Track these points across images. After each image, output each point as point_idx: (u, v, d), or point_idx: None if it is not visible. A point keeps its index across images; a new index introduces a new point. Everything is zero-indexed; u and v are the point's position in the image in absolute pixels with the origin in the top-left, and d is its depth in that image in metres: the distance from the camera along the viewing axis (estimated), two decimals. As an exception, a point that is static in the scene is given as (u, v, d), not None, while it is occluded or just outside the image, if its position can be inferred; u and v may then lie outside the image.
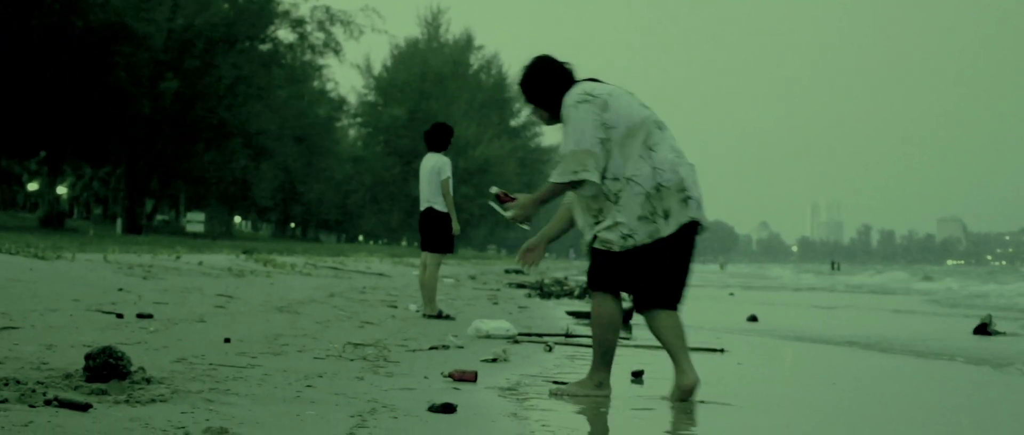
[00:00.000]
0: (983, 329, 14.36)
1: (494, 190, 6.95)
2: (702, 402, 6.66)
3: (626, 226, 6.59)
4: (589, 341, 10.37)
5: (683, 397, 6.64)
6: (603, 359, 6.79)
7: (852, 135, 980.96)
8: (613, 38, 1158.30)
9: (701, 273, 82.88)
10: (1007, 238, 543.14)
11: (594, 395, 6.67)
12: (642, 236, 6.59)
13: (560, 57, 7.10)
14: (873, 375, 9.19)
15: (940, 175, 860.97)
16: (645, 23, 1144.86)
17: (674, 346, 6.74)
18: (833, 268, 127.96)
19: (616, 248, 6.62)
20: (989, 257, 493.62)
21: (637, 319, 15.71)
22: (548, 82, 6.97)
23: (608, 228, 6.63)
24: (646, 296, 6.75)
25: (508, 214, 6.90)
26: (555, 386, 6.93)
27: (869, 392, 7.89)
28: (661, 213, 6.59)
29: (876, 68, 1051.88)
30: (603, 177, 6.60)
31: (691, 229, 6.72)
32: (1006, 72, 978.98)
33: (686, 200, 6.63)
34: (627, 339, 11.61)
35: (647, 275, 6.65)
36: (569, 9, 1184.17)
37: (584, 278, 26.68)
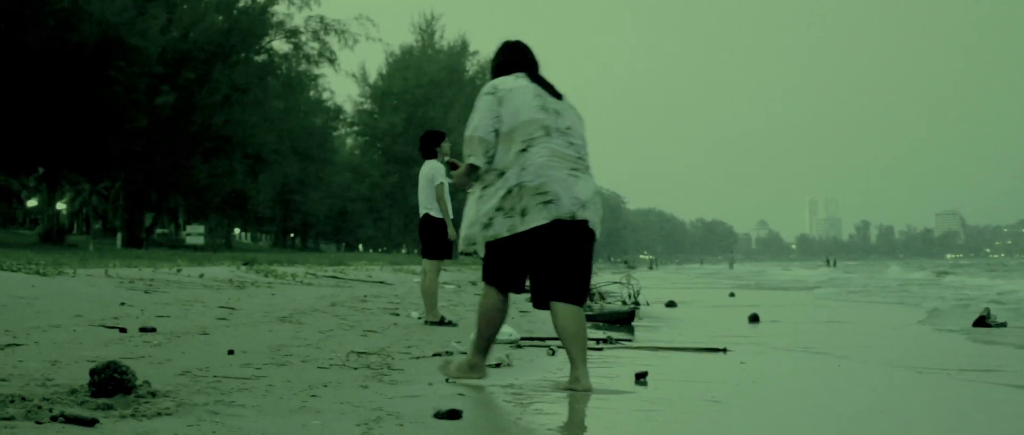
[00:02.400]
0: (982, 321, 14.40)
1: (446, 158, 7.55)
2: (706, 401, 6.67)
3: (485, 215, 7.09)
4: (593, 343, 10.44)
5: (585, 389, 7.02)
6: (478, 345, 7.34)
7: (849, 131, 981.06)
8: (608, 39, 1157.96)
9: (712, 274, 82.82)
10: (1006, 230, 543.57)
11: (465, 377, 7.29)
12: (501, 228, 7.07)
13: (532, 45, 7.66)
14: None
15: (937, 169, 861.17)
16: (640, 23, 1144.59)
17: (567, 342, 7.13)
18: (830, 265, 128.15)
19: (480, 238, 7.13)
20: (988, 250, 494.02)
21: (638, 320, 15.74)
22: (494, 67, 7.61)
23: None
24: (536, 290, 7.27)
25: (450, 180, 7.39)
26: (442, 360, 7.62)
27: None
28: (519, 211, 7.01)
29: (871, 63, 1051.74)
30: (491, 165, 7.17)
31: (561, 229, 7.01)
32: (1002, 65, 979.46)
33: (546, 203, 6.96)
34: (629, 341, 11.61)
35: (528, 268, 7.17)
36: (564, 9, 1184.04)
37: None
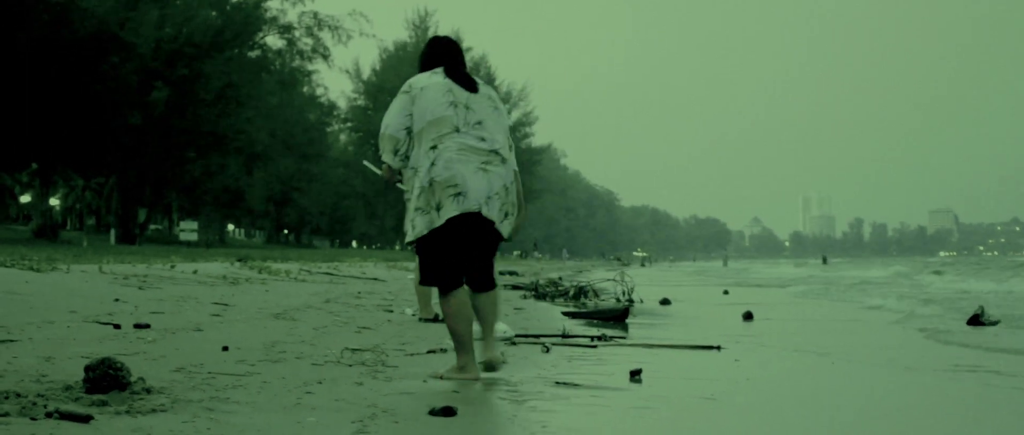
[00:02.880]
0: (976, 320, 14.43)
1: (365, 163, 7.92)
2: (701, 398, 6.69)
3: (409, 221, 7.42)
4: (587, 340, 10.46)
5: (487, 368, 7.41)
6: (460, 346, 7.40)
7: (842, 128, 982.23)
8: (602, 36, 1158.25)
9: (712, 271, 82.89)
10: (999, 229, 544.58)
11: (460, 378, 7.26)
12: (421, 227, 7.25)
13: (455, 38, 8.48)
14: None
15: (931, 167, 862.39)
16: (636, 20, 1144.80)
17: (483, 323, 7.46)
18: (824, 263, 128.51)
19: (410, 237, 7.37)
20: (981, 248, 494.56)
21: (632, 317, 15.74)
22: (419, 63, 7.89)
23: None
24: (465, 280, 7.45)
25: (380, 172, 7.75)
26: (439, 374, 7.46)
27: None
28: (434, 206, 7.18)
29: (865, 60, 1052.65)
30: (408, 164, 7.45)
31: (471, 221, 7.20)
32: (996, 63, 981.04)
33: (456, 195, 7.12)
34: (623, 338, 11.62)
35: (446, 261, 7.30)
36: (560, 5, 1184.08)
37: (580, 279, 26.33)
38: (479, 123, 7.31)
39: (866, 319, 17.59)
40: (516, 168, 7.48)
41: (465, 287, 7.41)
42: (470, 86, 7.45)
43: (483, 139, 7.27)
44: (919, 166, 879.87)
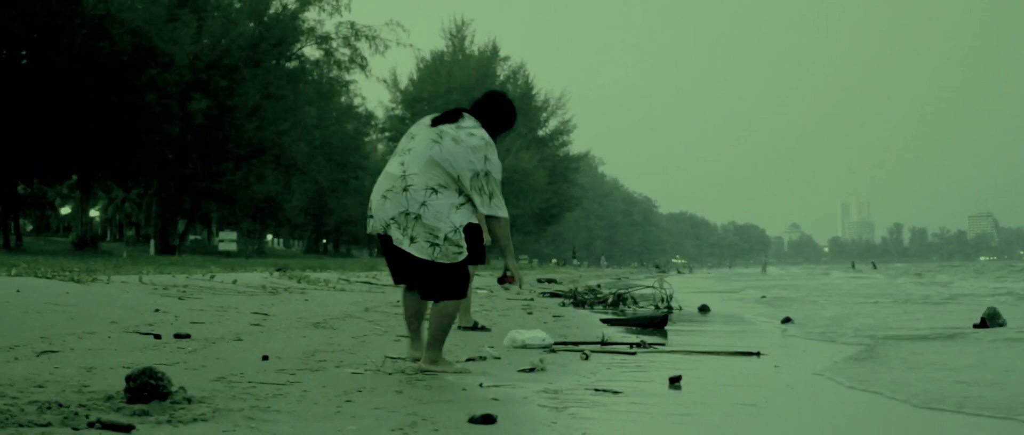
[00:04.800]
0: (984, 324, 14.29)
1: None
2: (741, 405, 6.67)
3: None
4: (626, 348, 10.45)
5: (420, 368, 7.96)
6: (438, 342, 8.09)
7: (881, 133, 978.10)
8: (639, 38, 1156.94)
9: (751, 278, 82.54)
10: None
11: (450, 370, 7.92)
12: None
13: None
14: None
15: (970, 171, 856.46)
16: (671, 24, 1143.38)
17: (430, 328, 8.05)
18: (873, 268, 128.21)
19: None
20: (1021, 252, 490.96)
21: (671, 324, 15.71)
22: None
23: None
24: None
25: (518, 287, 8.06)
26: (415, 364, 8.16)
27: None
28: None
29: (904, 65, 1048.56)
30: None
31: (385, 240, 7.99)
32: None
33: (369, 217, 8.08)
34: (662, 345, 11.59)
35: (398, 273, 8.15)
36: (593, 13, 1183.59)
37: (618, 286, 26.31)
38: (408, 150, 7.97)
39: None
40: (497, 206, 7.95)
41: (413, 291, 8.23)
42: (437, 119, 8.07)
43: (402, 164, 7.92)
44: (958, 170, 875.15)
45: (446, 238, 7.72)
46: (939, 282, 48.99)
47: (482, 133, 7.94)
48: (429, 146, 7.84)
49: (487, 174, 7.84)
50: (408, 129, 8.22)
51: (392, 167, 7.94)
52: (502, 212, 7.93)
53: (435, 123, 8.01)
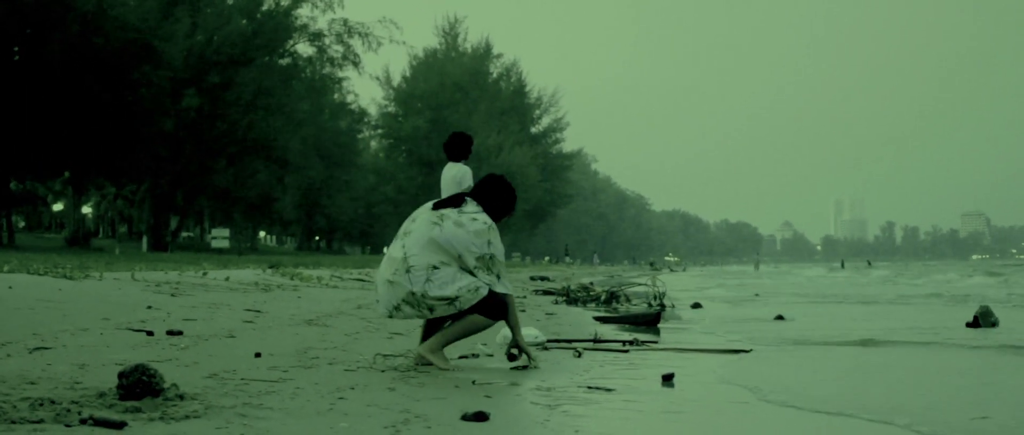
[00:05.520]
0: (977, 323, 14.27)
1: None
2: (734, 402, 6.68)
3: None
4: (619, 345, 10.47)
5: (418, 354, 8.20)
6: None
7: (874, 131, 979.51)
8: (630, 37, 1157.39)
9: (744, 275, 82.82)
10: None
11: (444, 366, 8.04)
12: None
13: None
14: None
15: (963, 170, 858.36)
16: (662, 20, 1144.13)
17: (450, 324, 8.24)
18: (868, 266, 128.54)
19: None
20: (1014, 250, 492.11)
21: (664, 322, 15.72)
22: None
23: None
24: None
25: (534, 362, 8.46)
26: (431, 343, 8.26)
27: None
28: None
29: (896, 63, 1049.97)
30: None
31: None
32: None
33: (377, 301, 8.32)
34: (655, 343, 11.60)
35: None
36: (583, 10, 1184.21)
37: (611, 283, 26.45)
38: (407, 233, 8.20)
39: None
40: (504, 285, 8.21)
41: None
42: (439, 203, 8.35)
43: (403, 247, 8.11)
44: (951, 169, 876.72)
45: (458, 297, 7.99)
46: (910, 280, 49.08)
47: (484, 217, 8.18)
48: (430, 228, 8.09)
49: (492, 257, 8.10)
50: (411, 214, 8.42)
51: (394, 250, 8.17)
52: (508, 290, 8.20)
53: (437, 207, 8.24)
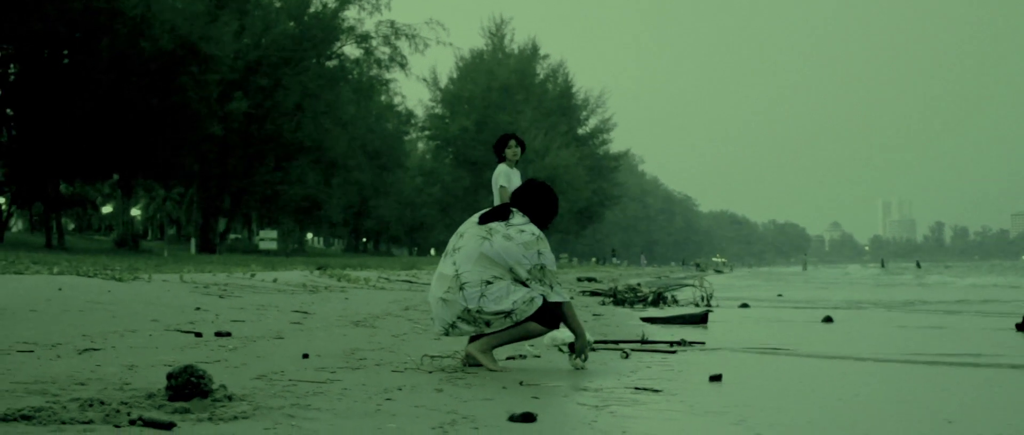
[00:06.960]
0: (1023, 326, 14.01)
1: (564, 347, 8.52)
2: (781, 402, 6.64)
3: None
4: (666, 346, 10.45)
5: (467, 353, 8.23)
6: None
7: (923, 132, 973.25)
8: (682, 34, 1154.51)
9: (785, 276, 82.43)
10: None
11: (493, 367, 8.07)
12: None
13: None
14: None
15: (1013, 169, 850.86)
16: (714, 20, 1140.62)
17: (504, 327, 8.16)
18: (918, 267, 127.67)
19: None
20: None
21: (710, 322, 15.66)
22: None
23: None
24: None
25: (584, 359, 8.46)
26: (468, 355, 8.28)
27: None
28: None
29: (945, 63, 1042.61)
30: None
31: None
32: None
33: (433, 319, 8.34)
34: (702, 344, 11.55)
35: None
36: (630, 10, 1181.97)
37: (659, 283, 26.36)
38: (457, 249, 8.21)
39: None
40: (559, 294, 8.22)
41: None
42: (485, 217, 8.33)
43: (454, 264, 8.13)
44: (1001, 168, 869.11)
45: (514, 310, 8.03)
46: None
47: (532, 228, 8.21)
48: (479, 243, 8.10)
49: (543, 267, 8.13)
50: (456, 230, 8.44)
51: (445, 267, 8.16)
52: (564, 298, 8.20)
53: (483, 220, 8.26)
